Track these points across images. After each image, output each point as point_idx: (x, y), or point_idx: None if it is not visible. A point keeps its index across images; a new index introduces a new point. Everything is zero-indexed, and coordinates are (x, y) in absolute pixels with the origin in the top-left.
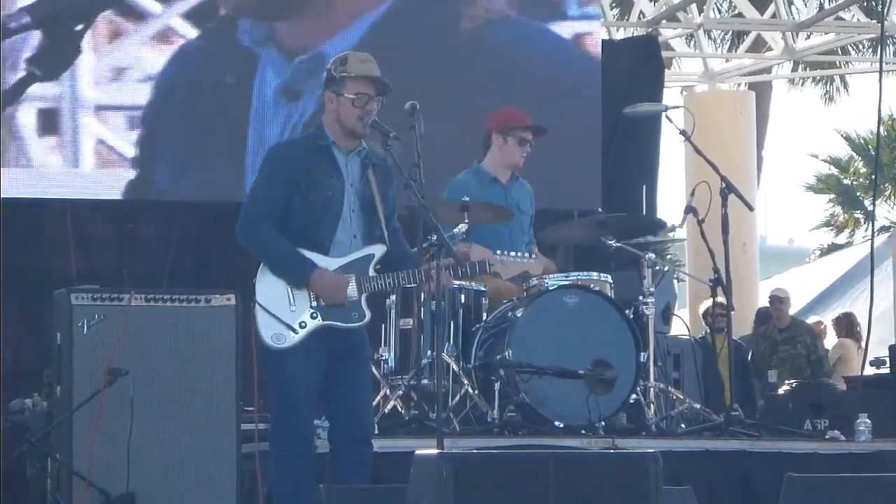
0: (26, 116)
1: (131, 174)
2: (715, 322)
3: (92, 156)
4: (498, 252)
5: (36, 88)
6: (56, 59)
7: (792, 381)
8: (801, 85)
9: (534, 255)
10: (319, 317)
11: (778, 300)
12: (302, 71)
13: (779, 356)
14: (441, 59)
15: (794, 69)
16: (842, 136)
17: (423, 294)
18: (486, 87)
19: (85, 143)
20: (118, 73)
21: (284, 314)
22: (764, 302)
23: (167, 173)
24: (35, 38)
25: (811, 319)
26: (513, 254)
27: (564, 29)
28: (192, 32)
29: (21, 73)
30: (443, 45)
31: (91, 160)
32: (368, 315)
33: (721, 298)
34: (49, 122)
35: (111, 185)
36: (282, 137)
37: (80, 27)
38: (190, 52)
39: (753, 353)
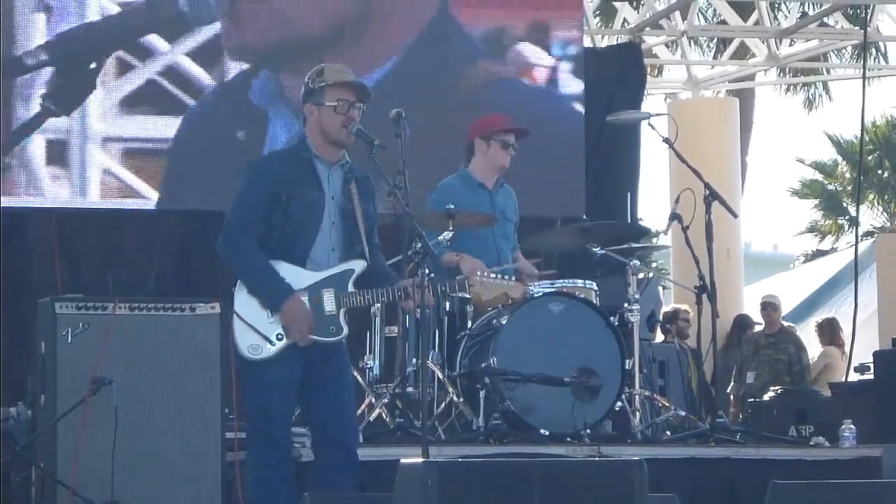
0: (36, 148)
1: (137, 203)
2: (679, 329)
3: (98, 186)
4: (479, 273)
5: (49, 122)
6: (70, 96)
7: (776, 387)
8: (784, 92)
9: (513, 279)
10: None
11: (771, 307)
12: None
13: (759, 359)
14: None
15: (779, 76)
16: (830, 138)
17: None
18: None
19: (92, 173)
20: (126, 106)
21: (262, 325)
22: (749, 308)
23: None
24: (49, 74)
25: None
26: (493, 276)
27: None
28: (199, 73)
29: (36, 108)
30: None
31: (97, 190)
32: (346, 330)
33: (686, 307)
34: (57, 153)
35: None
36: None
37: (94, 65)
38: (204, 104)
39: (731, 357)
